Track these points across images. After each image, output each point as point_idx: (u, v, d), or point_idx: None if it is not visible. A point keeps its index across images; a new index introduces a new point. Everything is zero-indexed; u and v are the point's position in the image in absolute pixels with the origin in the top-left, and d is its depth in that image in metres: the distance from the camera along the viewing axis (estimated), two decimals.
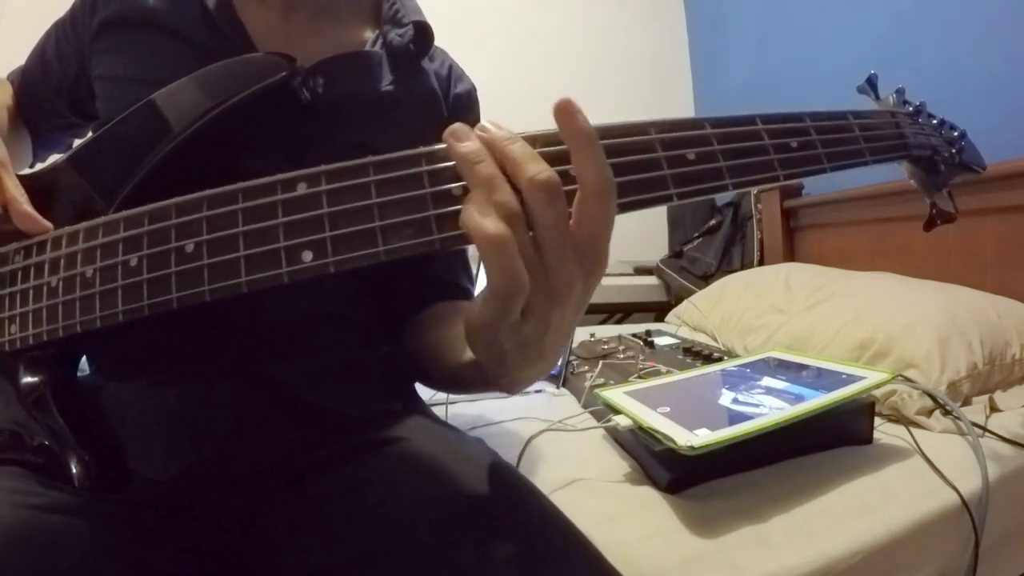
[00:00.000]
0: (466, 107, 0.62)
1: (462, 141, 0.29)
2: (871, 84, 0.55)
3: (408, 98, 0.55)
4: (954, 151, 0.54)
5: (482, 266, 0.29)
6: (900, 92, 0.54)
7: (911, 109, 0.53)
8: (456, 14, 1.63)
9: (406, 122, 0.55)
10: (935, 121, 0.55)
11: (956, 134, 0.56)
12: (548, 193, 0.28)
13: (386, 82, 0.54)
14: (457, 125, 0.30)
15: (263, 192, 0.32)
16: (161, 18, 0.49)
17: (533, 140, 0.31)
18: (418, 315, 0.56)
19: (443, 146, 0.31)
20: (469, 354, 0.37)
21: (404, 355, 0.56)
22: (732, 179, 0.34)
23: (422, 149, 0.31)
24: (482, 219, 0.27)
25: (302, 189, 0.31)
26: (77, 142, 0.59)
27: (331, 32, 0.55)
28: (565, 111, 0.28)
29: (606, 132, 0.32)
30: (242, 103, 0.41)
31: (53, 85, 0.56)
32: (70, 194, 0.43)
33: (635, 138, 0.32)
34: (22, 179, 0.43)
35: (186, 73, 0.43)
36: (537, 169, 0.28)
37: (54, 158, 0.51)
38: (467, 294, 0.60)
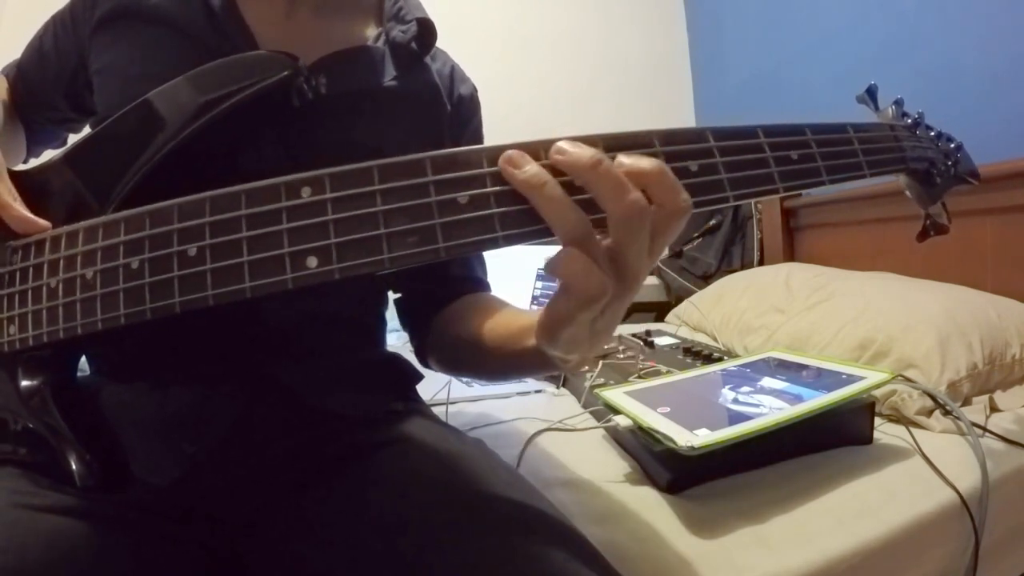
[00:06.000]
0: (470, 109, 0.62)
1: (519, 168, 0.30)
2: (871, 94, 0.55)
3: (411, 94, 0.55)
4: (950, 164, 0.55)
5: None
6: (899, 103, 0.54)
7: (910, 121, 0.53)
8: (456, 14, 1.62)
9: (409, 118, 0.55)
10: (933, 133, 0.55)
11: (952, 146, 0.56)
12: (639, 217, 0.30)
13: (388, 78, 0.54)
14: (512, 153, 0.31)
15: (266, 196, 0.32)
16: (162, 13, 0.49)
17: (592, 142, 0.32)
18: (444, 312, 0.58)
19: (448, 151, 0.31)
20: (530, 344, 0.39)
21: (438, 351, 0.59)
22: (733, 191, 0.34)
23: (427, 155, 0.31)
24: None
25: (306, 194, 0.31)
26: (72, 137, 0.59)
27: (334, 28, 0.54)
28: (648, 162, 0.30)
29: (611, 142, 0.32)
30: (243, 102, 0.41)
31: (50, 79, 0.56)
32: (63, 194, 0.42)
33: (640, 151, 0.32)
34: (15, 176, 0.43)
35: (187, 68, 0.42)
36: (632, 198, 0.29)
37: (48, 154, 0.51)
38: (483, 285, 0.62)
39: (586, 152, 0.30)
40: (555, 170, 0.30)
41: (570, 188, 0.30)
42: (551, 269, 0.30)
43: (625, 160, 0.30)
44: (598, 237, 0.30)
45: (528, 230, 0.31)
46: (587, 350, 0.36)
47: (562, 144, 0.30)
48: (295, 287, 0.31)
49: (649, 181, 0.30)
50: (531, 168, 0.30)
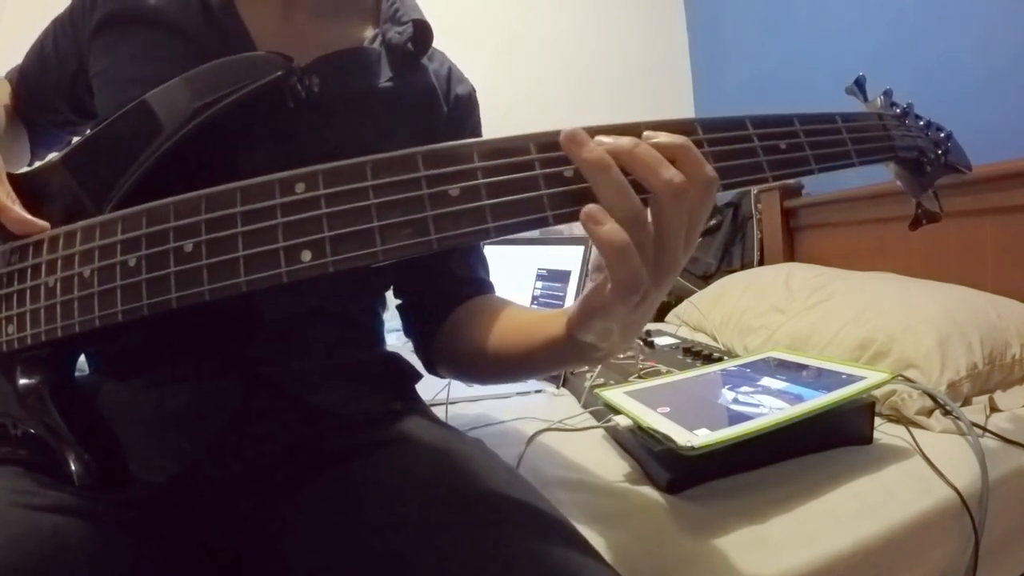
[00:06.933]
0: (468, 109, 0.62)
1: (584, 146, 0.31)
2: (859, 86, 0.56)
3: (407, 95, 0.55)
4: (940, 152, 0.55)
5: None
6: (888, 93, 0.55)
7: (898, 111, 0.53)
8: (454, 14, 1.63)
9: (405, 119, 0.55)
10: (922, 122, 0.56)
11: (943, 135, 0.57)
12: (679, 194, 0.31)
13: (384, 79, 0.54)
14: (576, 130, 0.32)
15: (261, 192, 0.32)
16: (161, 15, 0.49)
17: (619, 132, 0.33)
18: (451, 318, 0.58)
19: (439, 145, 0.31)
20: (557, 334, 0.40)
21: (448, 356, 0.58)
22: (722, 180, 0.35)
23: (419, 149, 0.32)
24: (608, 225, 0.30)
25: (300, 189, 0.31)
26: (75, 139, 0.59)
27: (331, 30, 0.55)
28: (675, 137, 0.33)
29: (600, 132, 0.33)
30: (238, 102, 0.41)
31: (51, 83, 0.56)
32: (61, 196, 0.42)
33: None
34: (13, 179, 0.43)
35: (185, 70, 0.43)
36: (671, 174, 0.31)
37: (51, 156, 0.51)
38: (488, 286, 0.62)
39: (624, 138, 0.32)
40: None
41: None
42: (598, 258, 0.32)
43: (656, 137, 0.32)
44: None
45: (518, 220, 0.31)
46: (620, 339, 0.37)
47: (600, 136, 0.32)
48: (290, 280, 0.31)
49: (678, 154, 0.32)
50: (599, 151, 0.31)
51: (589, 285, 0.35)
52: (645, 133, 0.33)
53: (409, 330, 0.63)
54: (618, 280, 0.31)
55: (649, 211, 0.32)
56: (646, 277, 0.31)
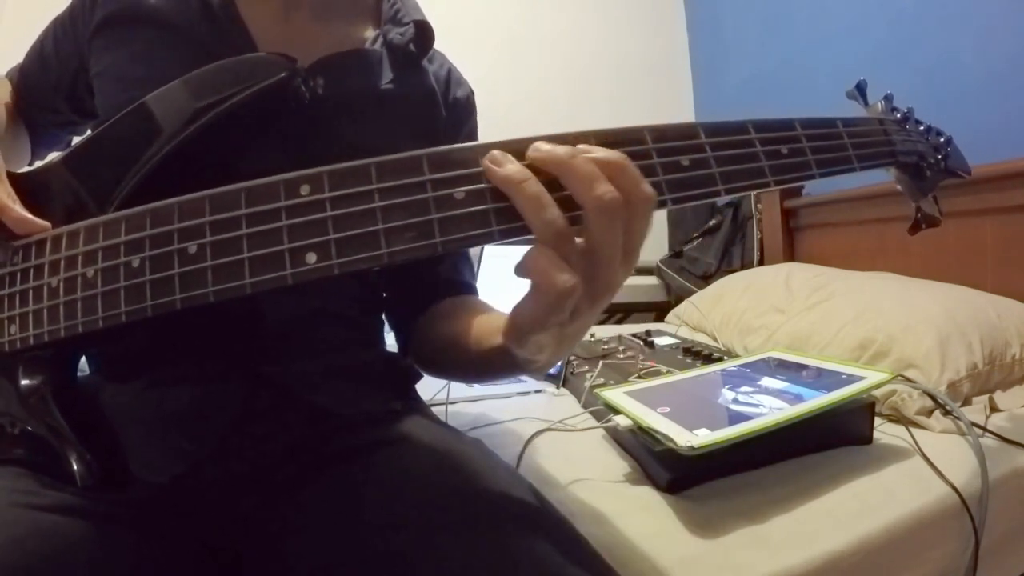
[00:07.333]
0: (466, 111, 0.62)
1: (501, 166, 0.31)
2: (860, 90, 0.56)
3: (407, 97, 0.55)
4: (940, 157, 0.55)
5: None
6: (888, 98, 0.55)
7: (899, 116, 0.54)
8: (454, 14, 1.63)
9: (405, 120, 0.55)
10: (922, 127, 0.56)
11: (942, 140, 0.57)
12: (609, 211, 0.30)
13: (386, 80, 0.54)
14: (495, 152, 0.31)
15: (266, 194, 0.32)
16: (162, 15, 0.49)
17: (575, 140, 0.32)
18: (429, 311, 0.58)
19: (444, 148, 0.31)
20: (497, 343, 0.40)
21: (418, 349, 0.59)
22: (724, 185, 0.35)
23: (424, 152, 0.32)
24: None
25: (305, 191, 0.31)
26: (76, 140, 0.59)
27: (332, 30, 0.55)
28: (613, 153, 0.31)
29: (602, 137, 0.33)
30: (241, 103, 0.41)
31: (52, 82, 0.56)
32: (63, 196, 0.42)
33: (632, 147, 0.33)
34: (14, 179, 0.43)
35: (186, 70, 0.43)
36: (603, 190, 0.30)
37: (52, 156, 0.51)
38: (471, 289, 0.62)
39: (561, 148, 0.31)
40: (537, 168, 0.31)
41: (550, 187, 0.31)
42: (521, 268, 0.31)
43: (593, 152, 0.31)
44: (576, 239, 0.31)
45: (522, 224, 0.31)
46: (553, 354, 0.37)
47: (539, 143, 0.31)
48: (294, 283, 0.31)
49: (613, 171, 0.30)
50: (511, 167, 0.31)
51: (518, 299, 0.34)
52: (580, 146, 0.31)
53: (390, 321, 0.65)
54: (542, 291, 0.30)
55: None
56: (578, 290, 0.30)
